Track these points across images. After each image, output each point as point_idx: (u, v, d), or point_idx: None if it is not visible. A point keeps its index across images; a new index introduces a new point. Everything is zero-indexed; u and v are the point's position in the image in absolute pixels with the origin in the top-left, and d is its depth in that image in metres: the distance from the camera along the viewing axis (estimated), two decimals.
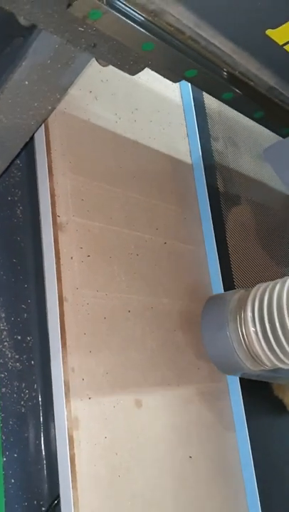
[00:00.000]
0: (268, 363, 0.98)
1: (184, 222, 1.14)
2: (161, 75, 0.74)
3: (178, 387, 0.99)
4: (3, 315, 0.98)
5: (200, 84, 0.77)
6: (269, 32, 0.70)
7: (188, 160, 1.22)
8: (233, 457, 1.06)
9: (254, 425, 1.08)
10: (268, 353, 0.95)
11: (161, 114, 1.19)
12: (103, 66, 0.77)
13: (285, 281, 0.96)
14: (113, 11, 0.60)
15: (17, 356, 0.97)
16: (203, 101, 1.27)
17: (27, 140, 0.83)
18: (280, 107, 0.84)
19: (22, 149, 0.95)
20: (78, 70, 0.74)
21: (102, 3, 0.58)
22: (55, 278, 0.85)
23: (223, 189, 1.24)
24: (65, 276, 0.86)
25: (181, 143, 1.21)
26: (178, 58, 0.69)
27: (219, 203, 1.21)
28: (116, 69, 1.05)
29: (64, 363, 0.81)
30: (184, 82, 1.25)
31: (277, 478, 1.12)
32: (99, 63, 0.76)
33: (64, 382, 0.81)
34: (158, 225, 1.07)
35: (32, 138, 0.94)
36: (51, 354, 0.83)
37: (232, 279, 1.16)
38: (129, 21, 0.62)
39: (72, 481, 0.77)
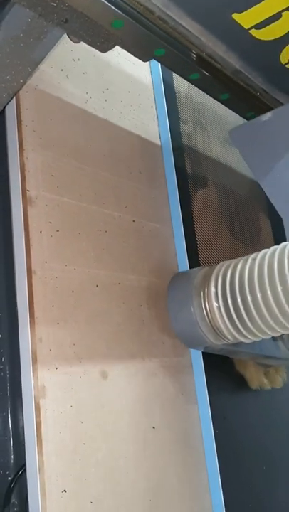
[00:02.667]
0: (229, 337, 1.02)
1: (152, 202, 1.17)
2: (131, 53, 0.76)
3: (143, 361, 1.02)
4: None
5: (168, 64, 0.79)
6: (235, 16, 0.72)
7: (157, 141, 1.24)
8: (195, 429, 1.10)
9: (215, 398, 1.12)
10: (230, 327, 0.99)
11: (132, 95, 1.21)
12: (75, 42, 0.78)
13: (246, 260, 1.00)
14: None
15: None
16: (173, 84, 1.29)
17: None
18: (245, 90, 0.87)
19: None
20: (50, 45, 0.75)
21: None
22: (24, 251, 0.86)
23: (191, 170, 1.27)
24: (34, 249, 0.88)
25: (150, 124, 1.24)
26: (147, 37, 0.71)
27: (187, 183, 1.24)
28: (88, 48, 1.06)
29: (32, 333, 0.83)
30: (154, 63, 1.27)
31: (236, 448, 1.17)
32: (70, 39, 0.77)
33: (31, 351, 0.83)
34: (127, 204, 1.09)
35: (3, 113, 0.95)
36: (19, 325, 0.85)
37: (197, 257, 1.20)
38: None
39: (37, 446, 0.79)
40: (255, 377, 1.23)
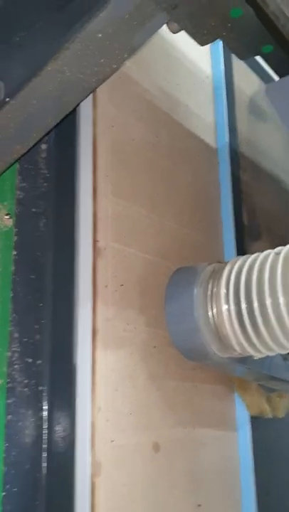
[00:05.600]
0: (237, 348, 0.85)
1: (209, 254, 1.10)
2: (231, 49, 0.73)
3: (193, 430, 0.95)
4: (16, 335, 0.91)
5: (273, 62, 0.79)
6: None
7: (217, 189, 1.18)
8: (236, 507, 1.02)
9: (260, 471, 1.04)
10: (240, 336, 0.82)
11: (196, 137, 1.14)
12: (173, 32, 0.73)
13: (267, 255, 0.84)
14: None
15: (26, 381, 0.90)
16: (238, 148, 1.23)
17: (83, 98, 0.78)
18: None
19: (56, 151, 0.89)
20: (151, 32, 0.71)
21: None
22: (91, 308, 0.79)
23: (248, 223, 1.21)
24: (99, 306, 0.80)
25: (211, 172, 1.17)
26: (259, 31, 0.69)
27: (243, 237, 1.17)
28: (159, 89, 1.00)
29: (92, 401, 0.76)
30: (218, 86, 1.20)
31: None
32: (169, 28, 0.72)
33: (91, 423, 0.75)
34: (187, 256, 1.02)
35: (74, 148, 0.88)
36: (78, 392, 0.77)
37: None
38: None
39: None
40: (256, 403, 1.07)
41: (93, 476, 0.73)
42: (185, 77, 1.13)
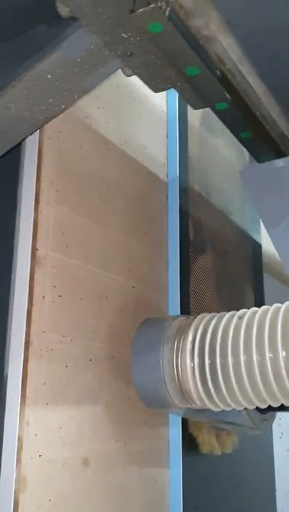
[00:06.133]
0: (197, 402, 0.88)
1: (153, 267, 1.09)
2: (185, 99, 0.72)
3: (124, 445, 0.93)
4: None
5: (226, 119, 0.77)
6: None
7: (165, 203, 1.17)
8: None
9: (189, 487, 1.04)
10: (201, 393, 0.86)
11: (150, 149, 1.14)
12: (126, 76, 0.71)
13: (232, 316, 0.88)
14: (174, 28, 0.59)
15: None
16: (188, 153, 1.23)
17: (29, 135, 0.76)
18: (283, 153, 0.87)
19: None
20: (104, 76, 0.69)
21: (165, 18, 0.57)
22: (25, 320, 0.76)
23: (193, 236, 1.21)
24: (35, 317, 0.78)
25: (160, 189, 1.17)
26: (215, 88, 0.69)
27: (187, 250, 1.18)
28: (112, 98, 0.99)
29: (21, 416, 0.73)
30: (172, 118, 1.21)
31: None
32: (123, 72, 0.71)
33: (18, 438, 0.72)
34: (130, 268, 1.01)
35: (18, 151, 0.85)
36: (7, 404, 0.74)
37: None
38: (184, 41, 0.61)
39: None
40: (207, 441, 1.12)
41: (17, 491, 0.71)
42: (137, 91, 1.13)
